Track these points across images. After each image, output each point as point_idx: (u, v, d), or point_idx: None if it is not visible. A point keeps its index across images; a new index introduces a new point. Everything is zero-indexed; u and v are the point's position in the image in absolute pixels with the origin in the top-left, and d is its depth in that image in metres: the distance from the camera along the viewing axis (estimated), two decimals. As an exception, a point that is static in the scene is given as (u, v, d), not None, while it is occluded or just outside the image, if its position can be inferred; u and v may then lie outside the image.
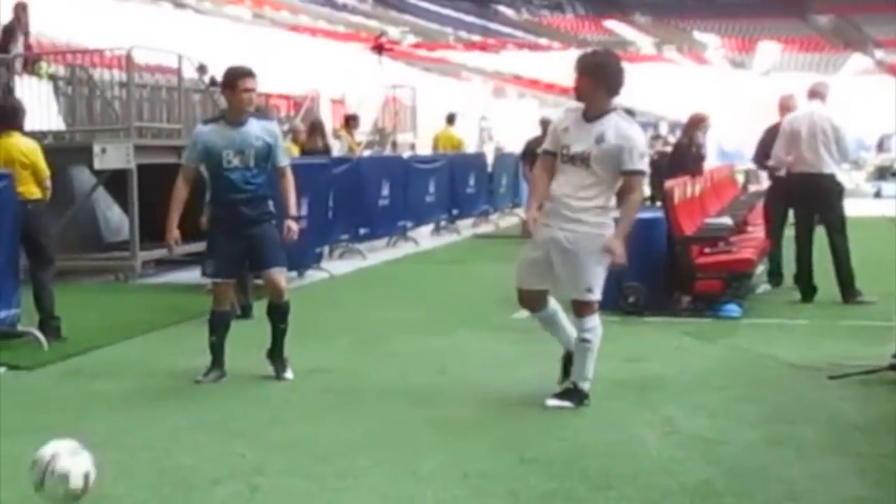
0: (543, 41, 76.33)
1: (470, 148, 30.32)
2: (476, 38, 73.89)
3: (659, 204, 15.34)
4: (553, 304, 7.79)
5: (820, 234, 12.01)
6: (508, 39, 75.39)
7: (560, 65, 64.83)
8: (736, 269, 11.49)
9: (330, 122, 25.72)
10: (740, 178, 25.08)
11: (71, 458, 5.37)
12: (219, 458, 6.40)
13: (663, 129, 37.15)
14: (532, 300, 7.78)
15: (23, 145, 10.23)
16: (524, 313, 11.30)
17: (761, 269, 13.05)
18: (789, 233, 12.64)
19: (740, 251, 11.99)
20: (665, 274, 11.36)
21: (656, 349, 9.33)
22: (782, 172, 12.41)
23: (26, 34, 16.25)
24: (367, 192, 17.36)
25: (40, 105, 15.30)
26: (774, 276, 13.02)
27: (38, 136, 12.31)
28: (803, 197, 11.97)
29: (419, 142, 29.07)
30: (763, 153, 12.99)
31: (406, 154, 23.64)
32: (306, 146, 17.93)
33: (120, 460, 6.32)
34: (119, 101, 16.28)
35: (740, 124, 45.90)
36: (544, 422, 7.16)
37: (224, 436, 6.91)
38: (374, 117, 27.28)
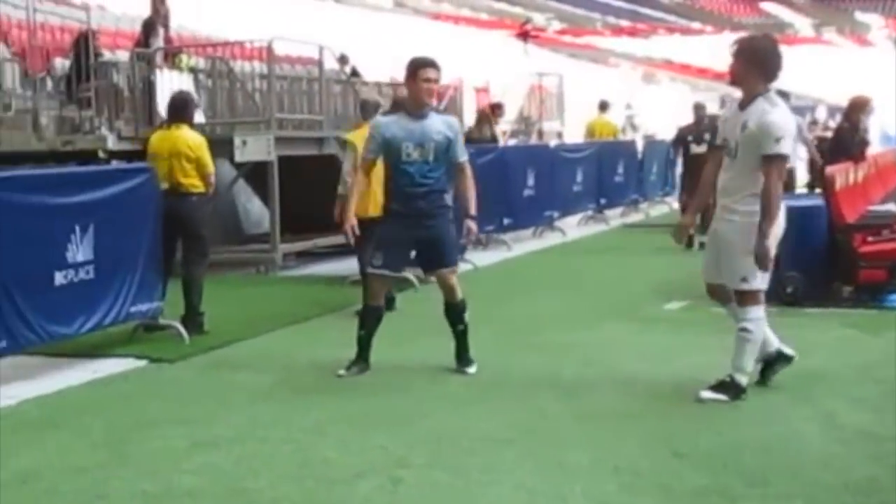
0: (696, 25, 75.48)
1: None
2: (625, 23, 73.36)
3: (819, 191, 15.05)
4: None
5: None
6: (659, 24, 74.71)
7: (713, 49, 64.19)
8: (902, 258, 11.24)
9: (473, 111, 25.73)
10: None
11: None
12: (361, 451, 6.43)
13: (821, 114, 36.42)
14: (717, 293, 7.80)
15: (190, 139, 10.52)
16: (676, 304, 11.30)
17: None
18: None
19: (907, 239, 11.71)
20: (826, 263, 11.14)
21: (817, 341, 9.13)
22: None
23: (166, 27, 16.52)
24: (513, 181, 17.35)
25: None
26: None
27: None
28: None
29: (566, 130, 28.97)
30: None
31: (552, 143, 23.57)
32: (474, 135, 18.04)
33: (262, 453, 6.42)
34: (259, 94, 16.51)
35: (905, 108, 44.86)
36: (698, 415, 7.07)
37: (366, 429, 6.94)
38: (520, 105, 27.23)
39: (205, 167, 10.51)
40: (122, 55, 17.09)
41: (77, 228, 8.76)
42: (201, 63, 16.97)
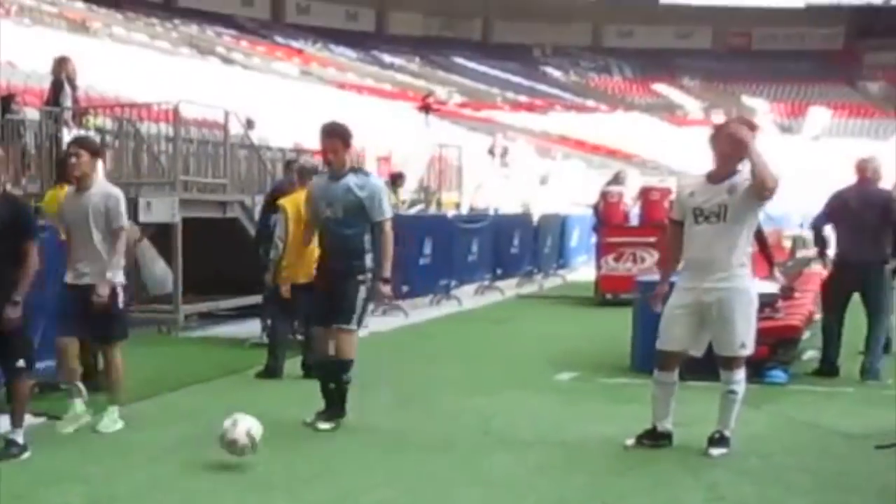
0: (591, 103, 76.52)
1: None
2: (523, 98, 74.16)
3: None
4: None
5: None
6: (555, 100, 75.62)
7: (607, 126, 65.17)
8: (782, 336, 11.43)
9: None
10: (787, 244, 24.96)
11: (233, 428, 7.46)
12: (259, 512, 6.41)
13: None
14: (675, 361, 7.99)
15: None
16: (567, 374, 11.40)
17: (807, 335, 12.98)
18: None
19: (787, 317, 11.93)
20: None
21: (702, 414, 9.22)
22: None
23: (74, 88, 16.41)
24: (410, 249, 17.40)
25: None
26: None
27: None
28: None
29: (464, 200, 29.19)
30: None
31: (450, 213, 23.72)
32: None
33: (160, 512, 6.37)
34: (165, 155, 16.44)
35: (789, 189, 45.77)
36: (587, 485, 7.15)
37: (264, 490, 6.94)
38: (420, 175, 27.39)
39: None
40: (31, 113, 16.94)
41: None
42: (108, 123, 16.88)
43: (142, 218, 14.64)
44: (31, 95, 19.73)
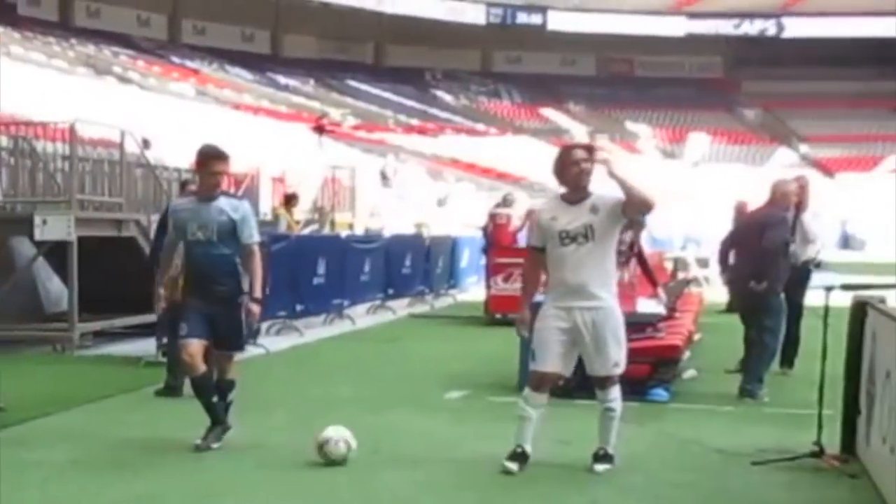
0: (481, 126, 76.94)
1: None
2: (415, 121, 74.33)
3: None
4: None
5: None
6: (447, 124, 75.91)
7: (497, 149, 65.60)
8: (663, 355, 11.56)
9: (270, 200, 25.74)
10: (669, 265, 25.30)
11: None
12: (153, 531, 6.34)
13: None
14: (549, 382, 7.97)
15: None
16: (457, 393, 11.43)
17: (688, 354, 13.16)
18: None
19: (668, 337, 12.07)
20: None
21: (585, 432, 9.29)
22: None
23: (-30, 106, 16.19)
24: (304, 269, 17.35)
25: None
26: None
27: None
28: None
29: (357, 220, 29.19)
30: None
31: (343, 233, 23.69)
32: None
33: (54, 532, 6.27)
34: (61, 174, 16.21)
35: (670, 213, 46.41)
36: (477, 501, 7.20)
37: (159, 509, 6.86)
38: (314, 196, 27.34)
39: None
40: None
41: None
42: (3, 141, 16.60)
43: (37, 236, 14.44)
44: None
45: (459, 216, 35.74)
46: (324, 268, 18.02)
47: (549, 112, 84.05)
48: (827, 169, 75.63)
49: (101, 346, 14.99)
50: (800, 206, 12.83)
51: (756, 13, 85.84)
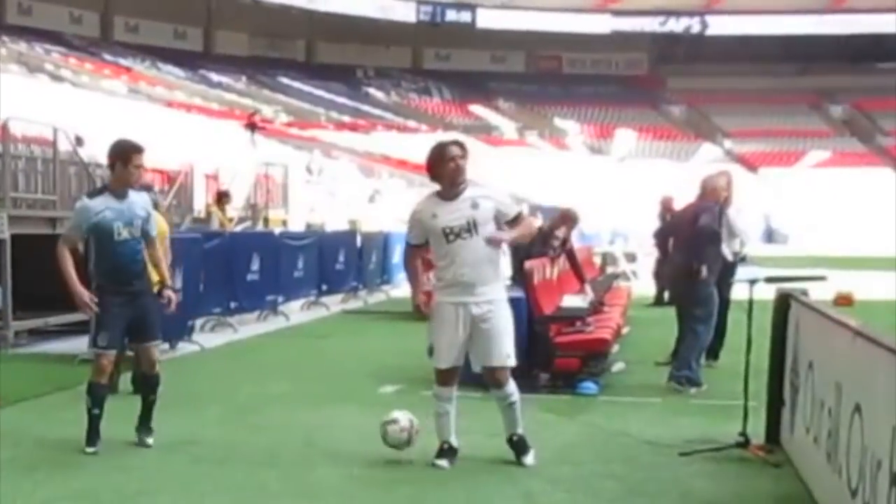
0: (412, 123, 76.95)
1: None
2: (347, 118, 74.20)
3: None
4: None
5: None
6: (378, 120, 75.86)
7: (428, 146, 65.53)
8: (592, 348, 11.65)
9: (204, 197, 25.56)
10: (598, 260, 25.50)
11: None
12: (89, 529, 6.28)
13: (524, 211, 37.62)
14: (453, 377, 7.97)
15: None
16: (390, 387, 11.44)
17: (616, 348, 13.26)
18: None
19: (597, 331, 12.15)
20: (526, 351, 11.41)
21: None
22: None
23: None
24: (238, 266, 17.26)
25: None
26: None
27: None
28: None
29: (290, 217, 29.08)
30: None
31: (277, 230, 23.58)
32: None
33: (-11, 531, 6.20)
34: (-6, 172, 16.01)
35: (598, 208, 46.72)
36: (411, 493, 7.20)
37: (94, 507, 6.81)
38: (247, 193, 27.20)
39: None
40: None
41: None
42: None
43: (-31, 235, 14.26)
44: None
45: (390, 212, 35.73)
46: (258, 264, 17.93)
47: (478, 109, 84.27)
48: (750, 164, 76.53)
49: (35, 344, 14.82)
50: (725, 202, 12.96)
51: (681, 11, 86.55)
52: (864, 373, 5.76)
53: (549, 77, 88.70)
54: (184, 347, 14.14)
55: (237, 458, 8.17)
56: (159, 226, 9.62)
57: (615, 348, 13.06)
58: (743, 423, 8.39)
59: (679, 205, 13.03)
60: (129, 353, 9.51)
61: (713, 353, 12.95)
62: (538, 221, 21.75)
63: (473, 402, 8.34)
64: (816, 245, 53.39)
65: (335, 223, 34.15)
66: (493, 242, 7.79)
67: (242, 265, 17.48)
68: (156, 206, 10.43)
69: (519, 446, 8.05)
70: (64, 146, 17.33)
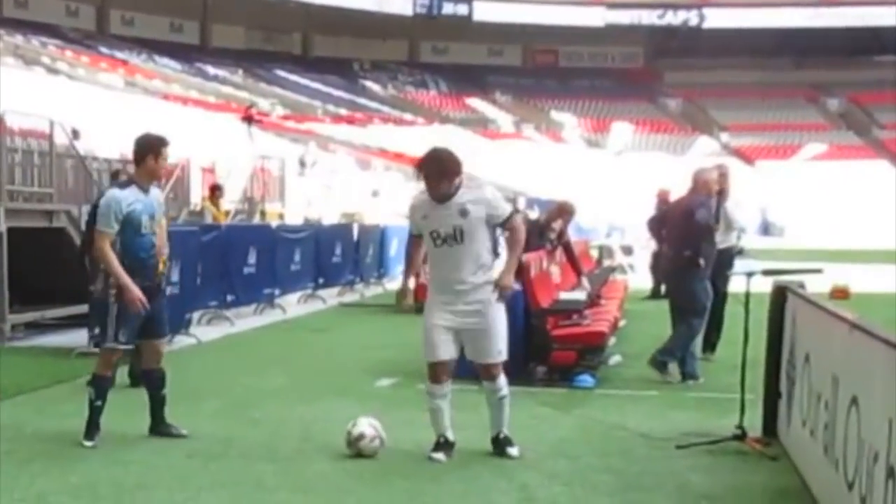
0: (408, 116, 76.91)
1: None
2: (343, 111, 74.13)
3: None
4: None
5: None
6: (375, 114, 75.81)
7: (424, 139, 65.53)
8: (589, 342, 11.65)
9: (200, 190, 25.53)
10: (594, 254, 25.49)
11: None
12: (86, 522, 6.28)
13: (521, 206, 37.69)
14: (446, 370, 7.97)
15: None
16: (387, 381, 11.43)
17: (613, 341, 13.26)
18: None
19: (593, 324, 12.16)
20: (523, 345, 11.41)
21: (513, 418, 9.31)
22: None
23: None
24: (235, 259, 17.24)
25: None
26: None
27: None
28: None
29: (287, 211, 29.04)
30: None
31: (274, 223, 23.56)
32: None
33: (-14, 525, 6.19)
34: (-9, 165, 15.99)
35: (595, 202, 46.71)
36: (407, 487, 7.19)
37: (91, 500, 6.81)
38: (244, 186, 27.15)
39: None
40: None
41: None
42: (-68, 134, 16.34)
43: (-34, 227, 14.24)
44: None
45: (393, 206, 35.72)
46: (254, 257, 17.92)
47: (475, 102, 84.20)
48: (747, 157, 76.53)
49: (32, 337, 14.80)
50: (722, 194, 12.97)
51: (679, 3, 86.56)
52: (860, 365, 5.76)
53: (545, 70, 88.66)
54: (180, 341, 14.11)
55: (234, 452, 8.17)
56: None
57: (612, 341, 13.06)
58: (740, 415, 8.39)
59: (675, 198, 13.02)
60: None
61: (710, 346, 12.96)
62: (534, 214, 21.80)
63: (470, 396, 8.33)
64: (813, 238, 53.35)
65: (332, 217, 34.14)
66: (504, 295, 7.92)
67: (239, 258, 17.46)
68: None
69: (504, 444, 8.07)
70: (60, 139, 17.30)
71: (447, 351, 7.93)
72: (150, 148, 8.45)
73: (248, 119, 36.77)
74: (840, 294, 20.06)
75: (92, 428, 8.35)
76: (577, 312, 12.37)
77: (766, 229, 62.55)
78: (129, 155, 8.92)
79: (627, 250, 30.16)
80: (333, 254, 22.22)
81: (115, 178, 13.50)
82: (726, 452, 8.21)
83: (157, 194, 8.61)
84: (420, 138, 63.91)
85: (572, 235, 15.73)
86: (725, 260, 12.11)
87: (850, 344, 5.97)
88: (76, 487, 7.10)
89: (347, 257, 22.87)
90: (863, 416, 5.65)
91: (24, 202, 15.98)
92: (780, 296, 8.68)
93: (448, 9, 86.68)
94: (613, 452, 8.32)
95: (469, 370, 8.26)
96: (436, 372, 7.96)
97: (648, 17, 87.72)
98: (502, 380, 8.03)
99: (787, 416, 8.28)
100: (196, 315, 15.68)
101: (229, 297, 17.02)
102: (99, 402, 8.38)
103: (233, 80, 74.07)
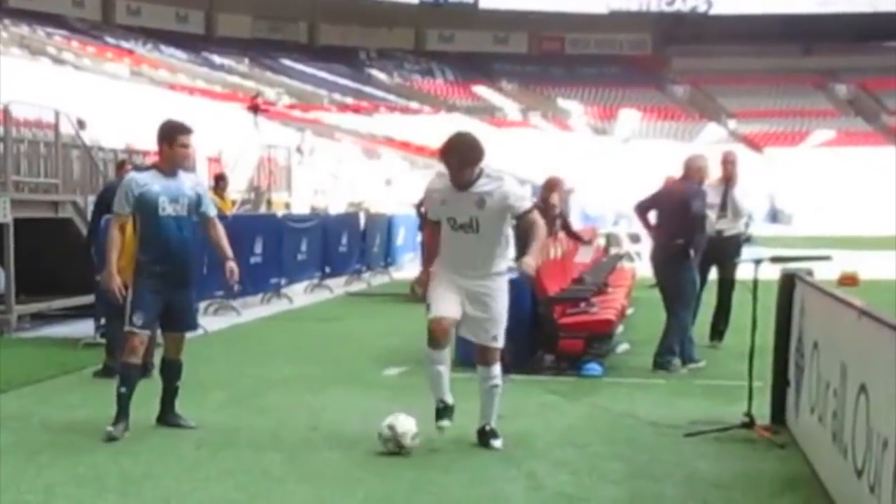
0: (414, 105, 76.84)
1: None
2: (349, 100, 74.10)
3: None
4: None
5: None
6: (381, 102, 75.76)
7: (430, 127, 65.54)
8: (597, 330, 11.63)
9: (207, 180, 25.54)
10: (602, 241, 25.44)
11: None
12: (93, 513, 6.29)
13: (528, 194, 37.66)
14: (446, 331, 7.89)
15: None
16: (395, 369, 11.43)
17: (621, 329, 13.24)
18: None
19: (601, 312, 12.15)
20: (530, 333, 11.42)
21: (521, 407, 9.38)
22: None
23: None
24: (241, 249, 17.18)
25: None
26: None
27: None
28: None
29: (293, 200, 29.05)
30: None
31: (280, 213, 23.56)
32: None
33: (-7, 515, 6.20)
34: (-4, 155, 16.00)
35: (602, 189, 46.67)
36: (414, 478, 7.17)
37: (97, 491, 6.80)
38: (250, 176, 27.17)
39: None
40: None
41: None
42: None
43: (-28, 218, 14.25)
44: None
45: (400, 196, 35.72)
46: (261, 247, 17.91)
47: (481, 90, 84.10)
48: (755, 144, 76.43)
49: (39, 328, 14.82)
50: (729, 181, 12.96)
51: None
52: (869, 353, 5.74)
53: (552, 58, 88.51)
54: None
55: (241, 442, 8.17)
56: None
57: (619, 329, 13.04)
58: (748, 403, 8.38)
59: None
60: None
61: (718, 334, 12.95)
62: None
63: (476, 385, 8.30)
64: (821, 225, 53.29)
65: (339, 206, 34.13)
66: (524, 271, 7.92)
67: (246, 248, 17.41)
68: None
69: (490, 436, 8.02)
70: (66, 129, 17.30)
71: (449, 309, 7.85)
72: (162, 135, 8.47)
73: (255, 108, 36.82)
74: (849, 281, 20.02)
75: (119, 415, 8.31)
76: (584, 300, 12.37)
77: (774, 216, 62.47)
78: (135, 145, 8.93)
79: (635, 238, 30.09)
80: (340, 243, 22.20)
81: (121, 169, 13.51)
82: (734, 440, 8.20)
83: (188, 179, 8.52)
84: (426, 127, 63.98)
85: (579, 223, 15.77)
86: (733, 247, 12.09)
87: (859, 331, 5.95)
88: (83, 478, 7.10)
89: (354, 247, 22.85)
90: (871, 404, 5.64)
91: (30, 193, 15.99)
92: (789, 283, 8.66)
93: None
94: (621, 440, 8.31)
95: (473, 357, 8.23)
96: (436, 331, 7.85)
97: (656, 4, 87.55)
98: (497, 368, 7.99)
99: (795, 404, 8.26)
100: (202, 305, 15.68)
101: (236, 287, 16.98)
102: (123, 389, 8.34)
103: (239, 69, 74.07)
